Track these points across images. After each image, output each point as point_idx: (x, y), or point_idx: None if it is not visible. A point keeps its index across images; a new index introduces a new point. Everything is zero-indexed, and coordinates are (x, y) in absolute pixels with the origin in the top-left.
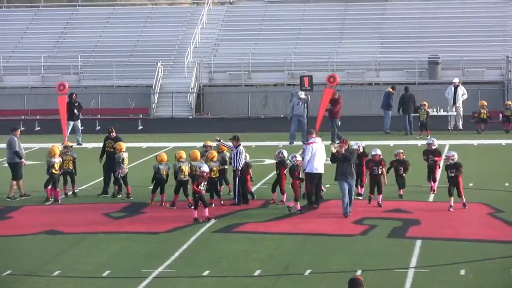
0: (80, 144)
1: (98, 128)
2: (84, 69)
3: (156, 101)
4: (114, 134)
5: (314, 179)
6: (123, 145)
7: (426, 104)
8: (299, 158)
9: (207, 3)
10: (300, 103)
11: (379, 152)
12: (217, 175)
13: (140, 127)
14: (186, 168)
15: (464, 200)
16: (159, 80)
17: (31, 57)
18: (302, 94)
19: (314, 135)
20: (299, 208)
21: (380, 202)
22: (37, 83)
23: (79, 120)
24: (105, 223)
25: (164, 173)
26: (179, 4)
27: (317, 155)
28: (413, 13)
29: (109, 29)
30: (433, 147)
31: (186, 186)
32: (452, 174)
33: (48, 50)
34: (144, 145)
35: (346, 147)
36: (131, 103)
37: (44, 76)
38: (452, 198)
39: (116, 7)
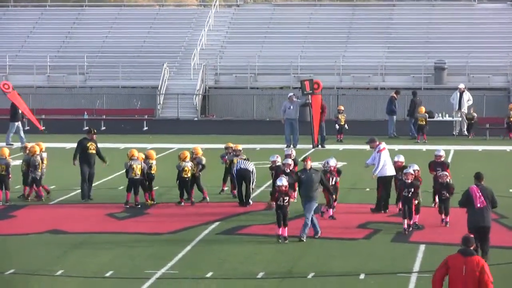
0: (11, 144)
1: (103, 128)
2: (90, 70)
3: (161, 102)
4: (95, 136)
5: (387, 183)
6: (37, 148)
7: (423, 109)
8: (332, 163)
9: (214, 5)
10: (292, 107)
11: (411, 170)
12: (189, 175)
13: (145, 128)
14: (137, 166)
15: (411, 222)
16: (165, 81)
17: (37, 57)
18: (294, 97)
19: (377, 142)
20: (331, 213)
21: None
22: (42, 83)
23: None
24: (108, 223)
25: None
26: (186, 6)
27: (387, 159)
28: (420, 18)
29: (116, 29)
30: (441, 160)
31: (138, 185)
32: (407, 194)
33: (54, 50)
34: (149, 146)
35: (309, 167)
36: (137, 104)
37: (50, 76)
38: (406, 220)
39: (123, 7)
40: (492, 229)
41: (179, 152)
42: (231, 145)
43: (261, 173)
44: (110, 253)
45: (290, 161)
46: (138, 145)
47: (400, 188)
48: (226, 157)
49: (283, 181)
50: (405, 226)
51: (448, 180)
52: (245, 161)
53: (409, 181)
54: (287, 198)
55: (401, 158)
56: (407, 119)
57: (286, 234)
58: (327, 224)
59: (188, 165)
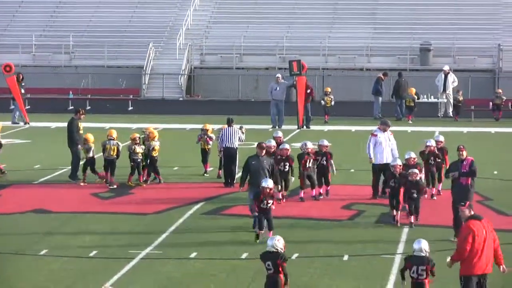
0: (17, 123)
1: (88, 108)
2: (75, 49)
3: (147, 82)
4: (83, 116)
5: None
6: None
7: (413, 90)
8: (310, 146)
9: None
10: (278, 88)
11: (399, 162)
12: (157, 154)
13: (131, 108)
14: (111, 147)
15: (399, 215)
16: (150, 61)
17: (22, 36)
18: (280, 78)
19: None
20: (313, 194)
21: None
22: (28, 62)
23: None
24: (93, 203)
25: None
26: None
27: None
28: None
29: (102, 9)
30: (440, 145)
31: (114, 165)
32: (394, 185)
33: (40, 29)
34: (134, 126)
35: (263, 153)
36: (122, 83)
37: (35, 55)
38: (394, 211)
39: None
40: (478, 212)
41: (163, 132)
42: (208, 126)
43: (245, 154)
44: (94, 233)
45: (287, 145)
46: (123, 125)
47: (389, 177)
48: (200, 136)
49: (268, 183)
50: (393, 214)
51: (418, 179)
52: (229, 132)
53: (397, 173)
54: (272, 201)
55: (433, 143)
56: (392, 100)
57: (269, 234)
58: (311, 204)
59: (157, 144)
